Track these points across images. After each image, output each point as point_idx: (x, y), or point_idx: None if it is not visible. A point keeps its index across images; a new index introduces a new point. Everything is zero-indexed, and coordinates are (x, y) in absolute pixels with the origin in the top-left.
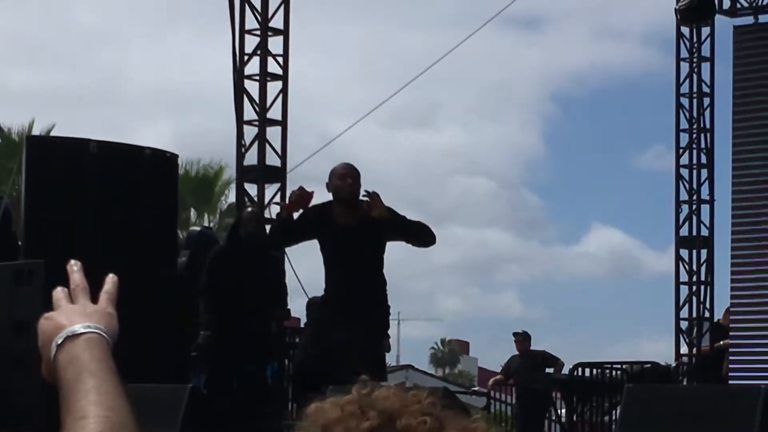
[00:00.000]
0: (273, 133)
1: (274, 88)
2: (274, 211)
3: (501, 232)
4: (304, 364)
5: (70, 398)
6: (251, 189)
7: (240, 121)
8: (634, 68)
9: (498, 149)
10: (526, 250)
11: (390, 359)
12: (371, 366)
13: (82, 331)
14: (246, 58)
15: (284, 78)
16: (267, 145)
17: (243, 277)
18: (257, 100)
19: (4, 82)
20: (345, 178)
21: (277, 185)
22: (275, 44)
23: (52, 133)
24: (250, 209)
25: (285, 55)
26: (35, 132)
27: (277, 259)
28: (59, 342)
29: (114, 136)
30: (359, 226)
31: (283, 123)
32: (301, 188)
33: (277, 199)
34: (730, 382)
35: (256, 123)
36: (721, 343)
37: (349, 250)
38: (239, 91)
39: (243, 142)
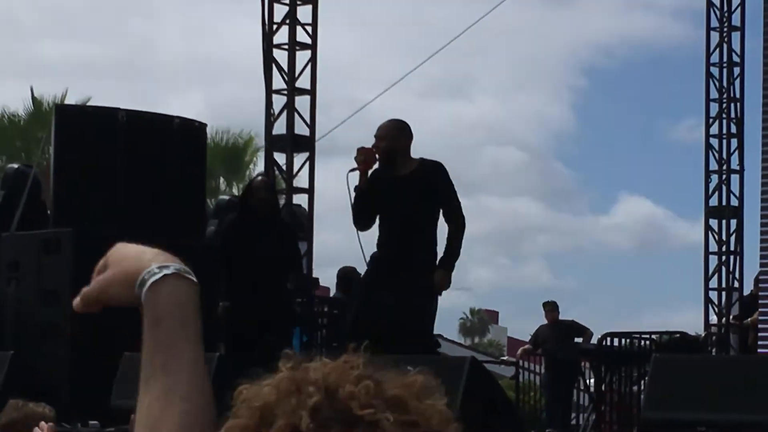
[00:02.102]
0: (302, 103)
1: (302, 57)
2: (302, 180)
3: (531, 202)
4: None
5: (164, 352)
6: (280, 158)
7: (269, 91)
8: (664, 39)
9: (529, 120)
10: (555, 220)
11: None
12: (416, 328)
13: (176, 271)
14: (275, 27)
15: (313, 47)
16: (296, 115)
17: (255, 245)
18: (286, 70)
19: (38, 53)
20: (377, 140)
21: (305, 154)
22: (304, 13)
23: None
24: (260, 177)
25: (314, 24)
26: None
27: (289, 226)
28: (155, 278)
29: (146, 107)
30: (399, 182)
31: (311, 92)
32: (360, 148)
33: (306, 168)
34: (760, 350)
35: (285, 92)
36: (749, 320)
37: (389, 206)
38: (268, 61)
39: (272, 111)
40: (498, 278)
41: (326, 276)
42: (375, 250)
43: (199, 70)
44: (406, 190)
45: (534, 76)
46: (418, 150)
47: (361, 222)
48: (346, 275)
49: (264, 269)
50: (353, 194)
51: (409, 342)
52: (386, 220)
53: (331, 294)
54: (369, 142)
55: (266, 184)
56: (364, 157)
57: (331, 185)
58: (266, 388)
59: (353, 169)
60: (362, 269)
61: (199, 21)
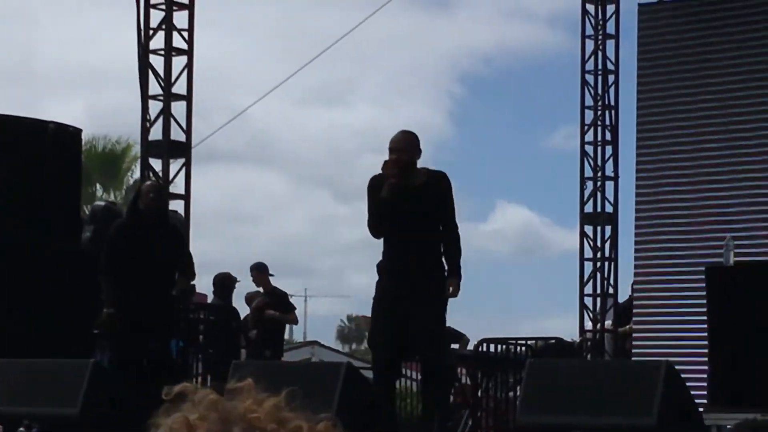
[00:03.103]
0: (178, 109)
1: (179, 63)
2: (178, 186)
3: None
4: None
5: None
6: (156, 164)
7: (145, 96)
8: (541, 48)
9: (408, 128)
10: None
11: (296, 335)
12: (438, 333)
13: None
14: (151, 32)
15: (189, 53)
16: (172, 120)
17: (144, 250)
18: (162, 75)
19: None
20: (396, 152)
21: (181, 160)
22: (180, 19)
23: None
24: (149, 182)
25: (190, 29)
26: None
27: (178, 230)
28: None
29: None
30: (413, 194)
31: (188, 98)
32: (389, 161)
33: (182, 174)
34: (633, 353)
35: (161, 98)
36: (627, 327)
37: (404, 217)
38: (144, 66)
39: (148, 117)
40: None
41: (203, 283)
42: (381, 260)
43: (79, 76)
44: (420, 201)
45: (413, 84)
46: (298, 157)
47: (382, 231)
48: (223, 281)
49: (152, 274)
50: (375, 204)
51: (433, 348)
52: (401, 230)
53: (209, 300)
54: (248, 148)
55: (155, 188)
56: (397, 169)
57: (209, 192)
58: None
59: (391, 183)
60: (237, 274)
61: (79, 27)
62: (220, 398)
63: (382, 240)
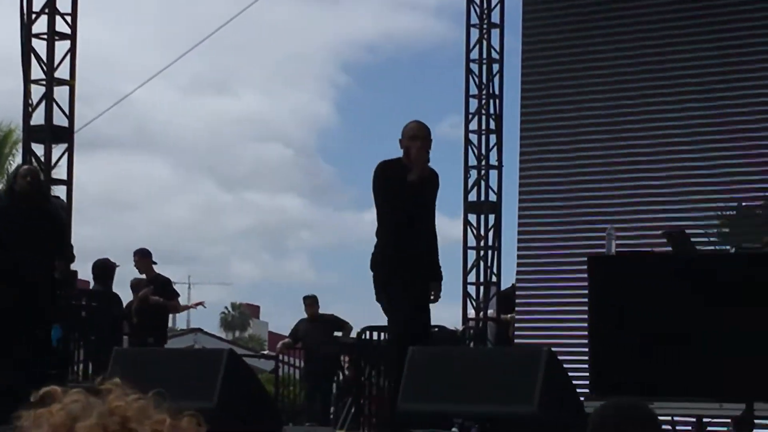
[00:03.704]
0: (61, 94)
1: (62, 47)
2: (60, 172)
3: (295, 198)
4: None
5: None
6: (38, 149)
7: (27, 81)
8: (427, 37)
9: (293, 117)
10: (318, 216)
11: (180, 322)
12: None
13: None
14: (34, 16)
15: (73, 37)
16: (54, 105)
17: (20, 234)
18: (45, 60)
19: None
20: (420, 140)
21: (64, 146)
22: (64, 3)
23: None
24: (25, 166)
25: (74, 14)
26: None
27: (58, 215)
28: None
29: None
30: (421, 186)
31: (71, 83)
32: (416, 149)
33: (65, 159)
34: (516, 341)
35: (44, 82)
36: (509, 316)
37: (417, 209)
38: (26, 50)
39: (30, 102)
40: (260, 273)
41: (84, 269)
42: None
43: None
44: (428, 192)
45: (299, 73)
46: (183, 144)
47: (404, 217)
48: (102, 267)
49: (31, 259)
50: (396, 189)
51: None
52: (415, 220)
53: (91, 286)
54: (133, 135)
55: (31, 172)
56: (427, 157)
57: (92, 178)
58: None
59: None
60: (120, 261)
61: None
62: (88, 397)
63: (384, 231)
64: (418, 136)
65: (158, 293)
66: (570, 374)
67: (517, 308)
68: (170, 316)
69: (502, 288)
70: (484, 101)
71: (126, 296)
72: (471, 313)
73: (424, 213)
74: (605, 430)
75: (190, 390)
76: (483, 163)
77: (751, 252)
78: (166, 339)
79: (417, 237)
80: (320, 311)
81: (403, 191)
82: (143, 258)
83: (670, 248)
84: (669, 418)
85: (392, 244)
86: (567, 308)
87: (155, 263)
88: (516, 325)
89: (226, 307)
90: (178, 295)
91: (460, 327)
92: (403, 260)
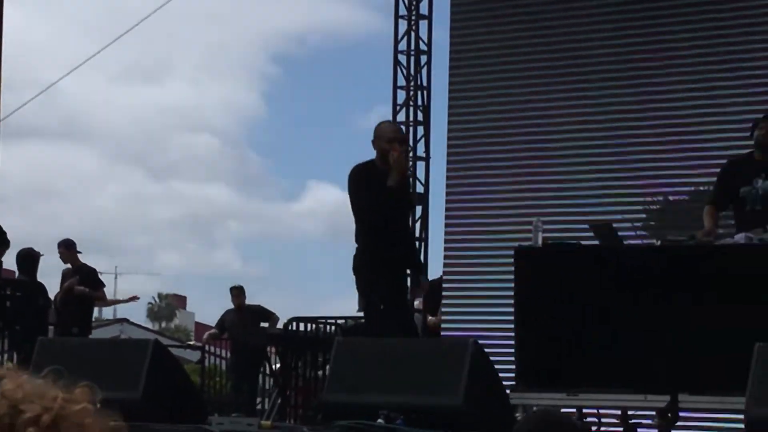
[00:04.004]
0: None
1: None
2: None
3: (223, 188)
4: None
5: None
6: None
7: None
8: (356, 28)
9: (222, 107)
10: (246, 207)
11: (106, 312)
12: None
13: None
14: None
15: None
16: None
17: None
18: None
19: None
20: (400, 144)
21: None
22: None
23: None
24: None
25: None
26: None
27: None
28: None
29: None
30: (401, 188)
31: None
32: (400, 153)
33: None
34: (443, 334)
35: None
36: (435, 319)
37: (401, 209)
38: None
39: None
40: (187, 263)
41: (9, 258)
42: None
43: None
44: (404, 195)
45: (227, 63)
46: (110, 134)
47: (388, 220)
48: (26, 257)
49: None
50: (378, 193)
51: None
52: (399, 220)
53: (16, 276)
54: (60, 124)
55: None
56: (408, 161)
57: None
58: None
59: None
60: (46, 251)
61: None
62: None
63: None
64: (397, 140)
65: (84, 283)
66: (497, 365)
67: (444, 299)
68: (96, 307)
69: (430, 279)
70: (412, 92)
71: (52, 286)
72: None
73: (404, 215)
74: None
75: (115, 380)
76: (410, 154)
77: (676, 245)
78: (91, 329)
79: (398, 239)
80: (247, 302)
81: (382, 195)
82: (68, 250)
83: (596, 241)
84: (595, 410)
85: (374, 248)
86: (494, 300)
87: (80, 252)
88: (443, 316)
89: (153, 297)
90: (104, 285)
91: None
92: (387, 262)
